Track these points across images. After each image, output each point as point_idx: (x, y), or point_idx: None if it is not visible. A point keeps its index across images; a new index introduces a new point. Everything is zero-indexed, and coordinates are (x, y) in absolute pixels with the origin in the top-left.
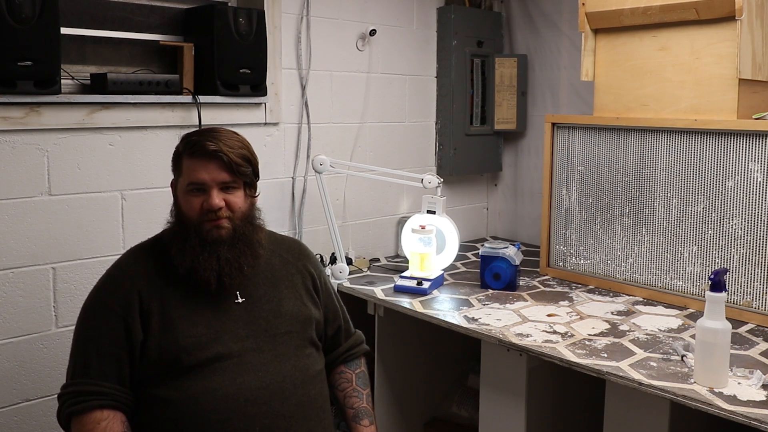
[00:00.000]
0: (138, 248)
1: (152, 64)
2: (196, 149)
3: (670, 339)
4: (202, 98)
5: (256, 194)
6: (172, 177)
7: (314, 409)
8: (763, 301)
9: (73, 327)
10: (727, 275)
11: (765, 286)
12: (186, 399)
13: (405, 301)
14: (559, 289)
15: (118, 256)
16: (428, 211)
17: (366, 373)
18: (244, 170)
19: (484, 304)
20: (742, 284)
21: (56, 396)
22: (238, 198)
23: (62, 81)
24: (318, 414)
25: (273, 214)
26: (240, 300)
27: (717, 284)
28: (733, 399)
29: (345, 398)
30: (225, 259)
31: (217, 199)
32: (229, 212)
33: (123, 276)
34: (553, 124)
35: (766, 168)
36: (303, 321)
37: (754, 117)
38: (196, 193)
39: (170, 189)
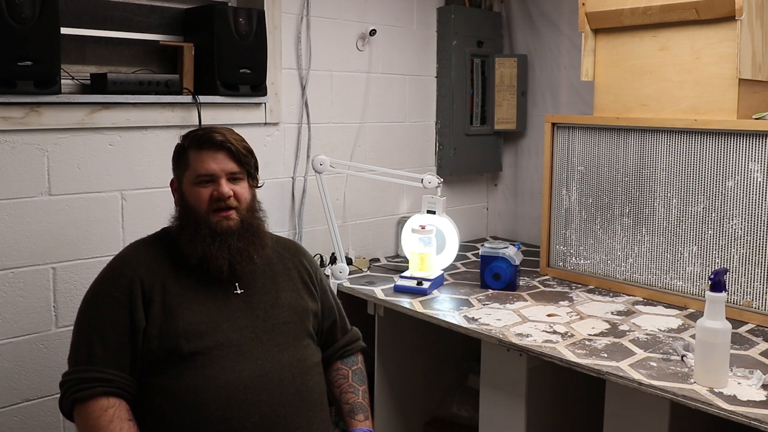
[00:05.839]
0: (138, 242)
1: (152, 64)
2: (204, 141)
3: (670, 339)
4: (202, 98)
5: (259, 184)
6: (172, 177)
7: (312, 400)
8: (763, 301)
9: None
10: (727, 275)
11: (765, 286)
12: (186, 387)
13: (405, 301)
14: (559, 289)
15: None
16: (428, 211)
17: (363, 369)
18: (248, 160)
19: (484, 304)
20: (742, 284)
21: (58, 384)
22: (243, 189)
23: (62, 81)
24: (316, 404)
25: (273, 214)
26: (239, 291)
27: (717, 284)
28: (733, 399)
29: (341, 394)
30: (236, 248)
31: (227, 187)
32: (236, 202)
33: (124, 266)
34: (553, 124)
35: (766, 168)
36: (300, 312)
37: (754, 117)
38: (204, 184)
39: (170, 188)
